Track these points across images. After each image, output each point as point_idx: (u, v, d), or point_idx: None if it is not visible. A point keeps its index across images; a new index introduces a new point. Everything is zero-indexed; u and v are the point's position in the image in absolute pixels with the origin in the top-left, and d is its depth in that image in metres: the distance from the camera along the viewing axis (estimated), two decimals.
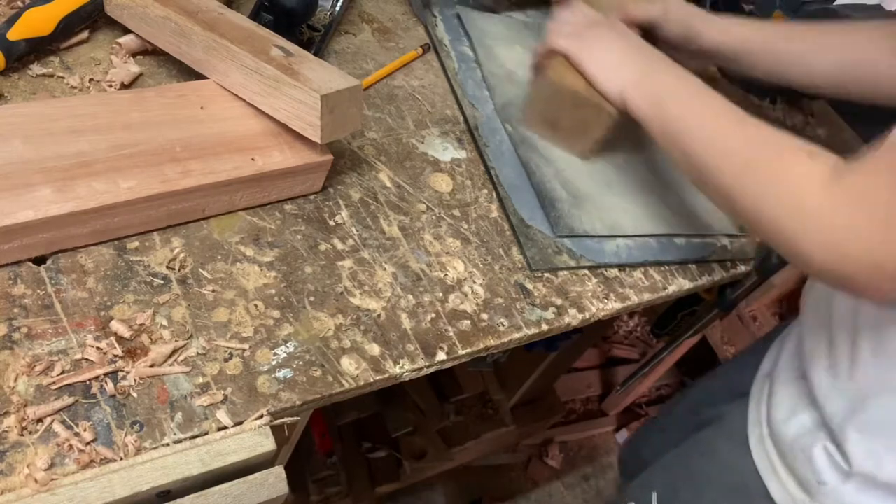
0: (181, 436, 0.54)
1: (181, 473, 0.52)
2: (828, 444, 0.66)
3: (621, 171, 0.91)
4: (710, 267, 0.88)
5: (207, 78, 0.72)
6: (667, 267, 0.85)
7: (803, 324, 0.76)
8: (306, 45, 0.85)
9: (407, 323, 0.68)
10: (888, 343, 0.61)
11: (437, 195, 0.80)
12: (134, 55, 0.77)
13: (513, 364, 1.64)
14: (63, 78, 0.71)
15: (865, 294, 0.52)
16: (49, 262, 0.60)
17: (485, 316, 0.72)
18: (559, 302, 0.76)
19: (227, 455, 0.54)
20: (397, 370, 0.65)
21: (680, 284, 0.84)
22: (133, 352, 0.57)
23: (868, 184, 0.50)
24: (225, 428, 0.56)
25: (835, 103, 1.07)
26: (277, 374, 0.60)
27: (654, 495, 0.86)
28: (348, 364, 0.63)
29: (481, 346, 0.69)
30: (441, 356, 0.67)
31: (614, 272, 0.81)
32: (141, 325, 0.59)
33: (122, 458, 0.52)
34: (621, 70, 0.74)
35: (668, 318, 1.30)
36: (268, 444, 0.56)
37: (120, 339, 0.58)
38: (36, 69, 0.71)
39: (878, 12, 1.07)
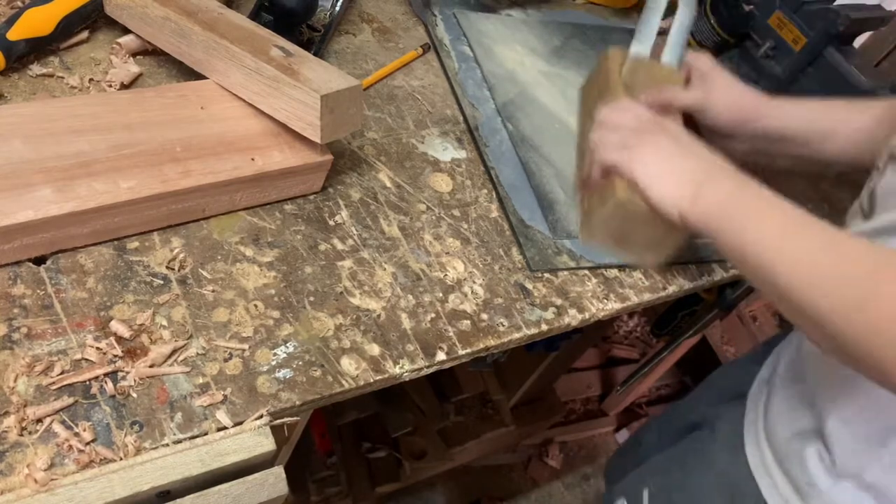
0: (181, 436, 0.54)
1: (181, 473, 0.52)
2: (820, 447, 0.66)
3: None
4: (710, 267, 0.88)
5: (207, 78, 0.72)
6: (667, 267, 0.85)
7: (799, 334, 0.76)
8: (306, 45, 0.85)
9: (407, 323, 0.68)
10: None
11: (437, 195, 0.80)
12: (134, 55, 0.77)
13: (513, 364, 1.64)
14: (63, 78, 0.71)
15: None
16: (49, 262, 0.60)
17: (485, 316, 0.72)
18: (559, 302, 0.76)
19: (226, 455, 0.54)
20: (397, 370, 0.64)
21: (680, 284, 0.84)
22: (133, 352, 0.57)
23: None
24: (225, 428, 0.56)
25: None
26: (277, 375, 0.60)
27: (646, 493, 0.86)
28: (348, 364, 0.63)
29: (481, 346, 0.69)
30: (441, 356, 0.67)
31: (614, 272, 0.81)
32: (141, 325, 0.59)
33: (121, 459, 0.52)
34: (675, 184, 0.65)
35: (668, 318, 1.30)
36: (268, 444, 0.56)
37: (120, 339, 0.58)
38: (36, 69, 0.71)
39: (878, 12, 1.07)
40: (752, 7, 1.11)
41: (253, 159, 0.67)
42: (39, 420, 0.52)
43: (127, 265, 0.62)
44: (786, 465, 0.69)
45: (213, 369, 0.59)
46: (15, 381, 0.53)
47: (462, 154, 0.85)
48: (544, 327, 0.73)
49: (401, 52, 0.93)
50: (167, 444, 0.54)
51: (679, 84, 0.77)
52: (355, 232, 0.73)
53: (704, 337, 1.81)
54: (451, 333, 0.69)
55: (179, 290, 0.62)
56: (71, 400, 0.54)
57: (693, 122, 0.79)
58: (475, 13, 1.02)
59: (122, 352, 0.57)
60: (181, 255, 0.64)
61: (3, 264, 0.58)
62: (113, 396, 0.55)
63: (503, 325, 0.72)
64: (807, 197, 1.03)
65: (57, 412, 0.53)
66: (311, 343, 0.63)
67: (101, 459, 0.52)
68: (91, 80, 0.72)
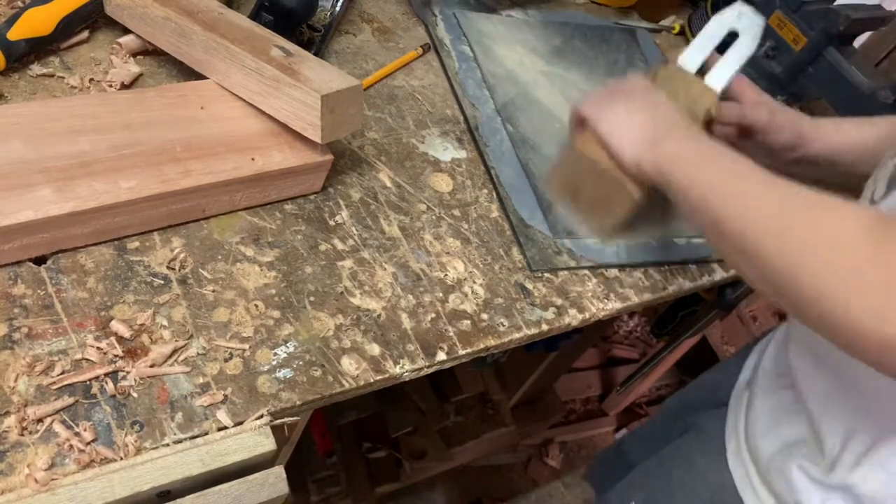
0: (181, 436, 0.54)
1: (181, 473, 0.52)
2: (804, 461, 0.65)
3: None
4: (710, 267, 0.88)
5: (207, 78, 0.72)
6: (667, 267, 0.85)
7: (792, 334, 0.74)
8: (306, 45, 0.85)
9: (407, 323, 0.68)
10: None
11: (437, 195, 0.80)
12: (134, 55, 0.77)
13: (513, 364, 1.64)
14: (63, 78, 0.71)
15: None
16: (49, 262, 0.60)
17: (485, 316, 0.72)
18: (559, 302, 0.76)
19: (227, 455, 0.54)
20: (397, 370, 0.65)
21: (680, 284, 0.84)
22: (133, 352, 0.57)
23: None
24: (225, 428, 0.56)
25: (835, 105, 1.07)
26: (277, 374, 0.60)
27: None
28: (348, 364, 0.63)
29: (481, 346, 0.69)
30: (441, 356, 0.67)
31: (614, 272, 0.81)
32: (141, 325, 0.59)
33: (122, 458, 0.52)
34: (635, 136, 0.66)
35: (668, 318, 1.30)
36: (268, 444, 0.56)
37: (120, 339, 0.58)
38: (36, 69, 0.71)
39: (878, 12, 1.07)
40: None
41: (253, 159, 0.67)
42: (40, 420, 0.52)
43: (127, 265, 0.62)
44: (770, 481, 0.68)
45: (214, 369, 0.59)
46: (15, 380, 0.53)
47: (462, 154, 0.85)
48: (544, 327, 0.73)
49: (401, 52, 0.93)
50: (167, 444, 0.54)
51: (712, 106, 0.75)
52: (355, 232, 0.73)
53: (704, 337, 1.81)
54: (451, 333, 0.69)
55: (180, 289, 0.62)
56: (71, 400, 0.54)
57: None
58: (475, 13, 1.02)
59: (123, 352, 0.57)
60: (181, 255, 0.64)
61: (4, 264, 0.58)
62: (113, 396, 0.55)
63: (503, 325, 0.72)
64: None
65: (57, 412, 0.53)
66: (311, 343, 0.63)
67: (101, 459, 0.52)
68: (91, 80, 0.72)
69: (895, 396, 0.58)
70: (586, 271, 0.80)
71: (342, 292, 0.68)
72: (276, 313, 0.64)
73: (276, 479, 0.56)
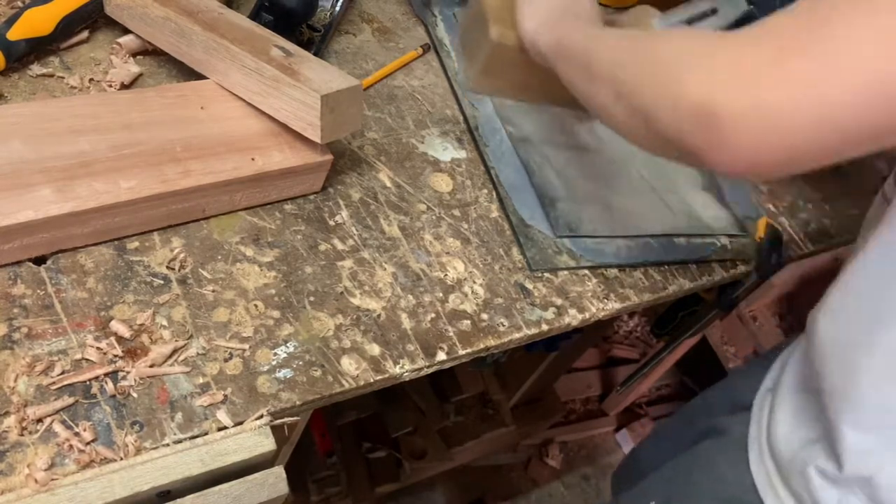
0: (181, 436, 0.54)
1: (181, 473, 0.52)
2: (824, 461, 0.65)
3: (621, 171, 0.91)
4: (710, 267, 0.88)
5: (207, 78, 0.72)
6: (667, 267, 0.85)
7: (813, 343, 0.74)
8: (306, 45, 0.85)
9: (407, 323, 0.68)
10: None
11: (437, 195, 0.80)
12: (134, 55, 0.77)
13: (513, 364, 1.64)
14: (63, 78, 0.71)
15: (722, 146, 0.44)
16: (49, 262, 0.60)
17: (485, 316, 0.72)
18: (559, 302, 0.76)
19: (227, 455, 0.54)
20: (397, 370, 0.65)
21: (680, 284, 0.84)
22: (133, 352, 0.57)
23: (770, 24, 0.44)
24: (225, 428, 0.56)
25: None
26: (277, 374, 0.60)
27: None
28: (348, 364, 0.63)
29: (481, 346, 0.69)
30: (441, 356, 0.67)
31: (614, 272, 0.81)
32: (141, 325, 0.59)
33: (122, 458, 0.52)
34: (539, 16, 0.66)
35: (668, 318, 1.30)
36: (268, 444, 0.56)
37: (120, 339, 0.58)
38: (36, 69, 0.71)
39: None
40: (752, 7, 1.11)
41: (253, 159, 0.67)
42: (40, 420, 0.52)
43: (127, 265, 0.62)
44: (791, 483, 0.68)
45: (214, 369, 0.59)
46: (15, 380, 0.53)
47: (462, 154, 0.85)
48: (544, 327, 0.73)
49: (401, 52, 0.93)
50: (167, 444, 0.54)
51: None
52: (355, 232, 0.73)
53: (704, 337, 1.81)
54: (451, 333, 0.69)
55: (179, 290, 0.62)
56: (71, 400, 0.54)
57: None
58: None
59: (123, 352, 0.57)
60: (181, 255, 0.64)
61: (4, 264, 0.58)
62: (113, 396, 0.55)
63: (503, 325, 0.72)
64: None
65: (57, 412, 0.53)
66: (311, 343, 0.63)
67: (101, 459, 0.52)
68: (91, 80, 0.72)
69: None
70: (586, 271, 0.80)
71: (342, 292, 0.68)
72: (276, 313, 0.64)
73: (276, 479, 0.56)
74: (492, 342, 0.70)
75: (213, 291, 0.63)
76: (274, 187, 0.69)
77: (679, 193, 0.92)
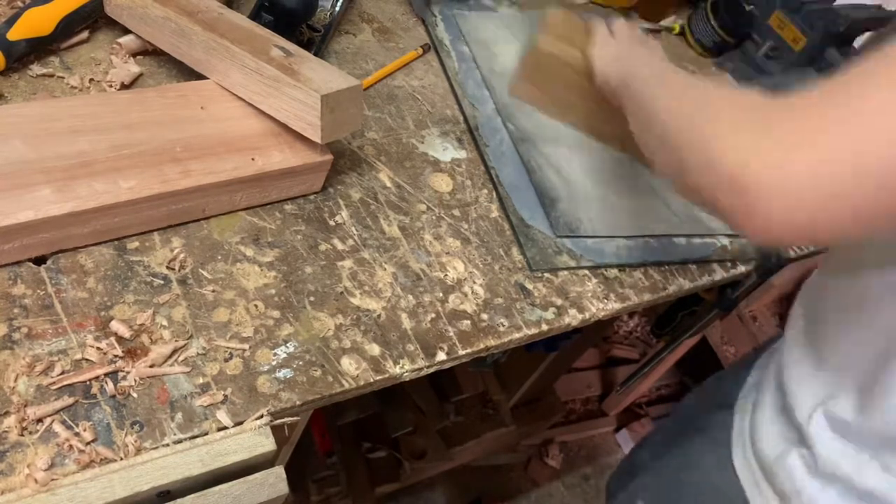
0: (181, 436, 0.54)
1: (181, 473, 0.52)
2: (802, 449, 0.65)
3: (622, 171, 0.91)
4: (710, 267, 0.88)
5: (207, 78, 0.72)
6: (667, 267, 0.85)
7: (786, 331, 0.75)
8: (306, 45, 0.85)
9: (407, 323, 0.68)
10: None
11: (437, 195, 0.80)
12: (134, 55, 0.77)
13: (513, 364, 1.64)
14: (63, 78, 0.71)
15: (757, 214, 0.47)
16: (49, 262, 0.60)
17: (485, 316, 0.72)
18: (559, 302, 0.76)
19: (227, 455, 0.54)
20: (397, 370, 0.64)
21: (680, 284, 0.84)
22: (133, 352, 0.57)
23: (799, 107, 0.47)
24: (225, 428, 0.56)
25: None
26: (277, 374, 0.60)
27: None
28: (348, 364, 0.63)
29: (481, 346, 0.69)
30: (441, 356, 0.67)
31: (614, 272, 0.81)
32: (141, 325, 0.59)
33: (122, 458, 0.52)
34: (611, 53, 0.74)
35: (668, 318, 1.30)
36: (268, 444, 0.56)
37: (120, 339, 0.58)
38: (36, 69, 0.71)
39: (878, 12, 1.07)
40: (752, 7, 1.11)
41: (253, 159, 0.67)
42: (40, 420, 0.52)
43: (127, 265, 0.62)
44: (774, 480, 0.68)
45: (214, 369, 0.59)
46: (15, 381, 0.53)
47: (462, 154, 0.85)
48: (544, 327, 0.73)
49: (401, 52, 0.93)
50: (167, 444, 0.54)
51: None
52: (355, 232, 0.73)
53: (704, 337, 1.81)
54: (451, 333, 0.69)
55: (179, 290, 0.62)
56: (71, 400, 0.54)
57: None
58: (475, 13, 1.02)
59: (123, 352, 0.57)
60: (181, 255, 0.64)
61: (4, 264, 0.58)
62: (113, 396, 0.55)
63: (503, 325, 0.72)
64: None
65: (57, 412, 0.53)
66: (311, 343, 0.63)
67: (101, 459, 0.52)
68: (91, 80, 0.72)
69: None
70: (586, 271, 0.80)
71: (342, 292, 0.68)
72: (276, 313, 0.64)
73: (276, 479, 0.56)
74: (492, 342, 0.70)
75: (213, 291, 0.63)
76: (274, 187, 0.69)
77: None
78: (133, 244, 0.63)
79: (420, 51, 0.94)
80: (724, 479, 0.74)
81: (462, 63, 0.95)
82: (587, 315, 0.76)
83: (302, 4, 0.79)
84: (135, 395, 0.55)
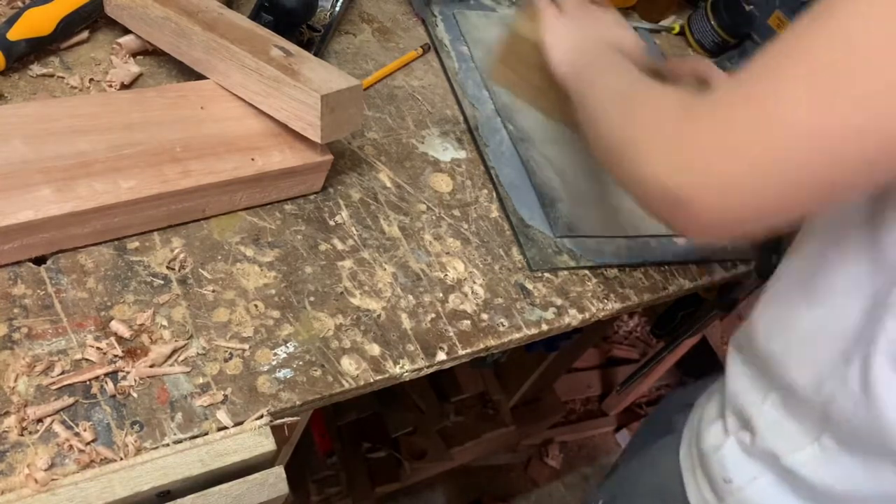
0: (181, 436, 0.54)
1: (181, 473, 0.52)
2: (740, 433, 0.65)
3: None
4: (710, 267, 0.88)
5: (207, 78, 0.72)
6: (667, 267, 0.85)
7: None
8: (306, 45, 0.85)
9: (407, 323, 0.68)
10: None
11: (437, 195, 0.80)
12: (134, 55, 0.77)
13: (513, 364, 1.64)
14: (63, 78, 0.71)
15: (690, 220, 0.49)
16: (49, 262, 0.60)
17: (485, 316, 0.72)
18: (559, 302, 0.76)
19: (227, 455, 0.54)
20: (397, 370, 0.65)
21: (680, 284, 0.84)
22: (133, 352, 0.57)
23: (727, 105, 0.48)
24: (225, 428, 0.56)
25: None
26: (277, 374, 0.60)
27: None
28: (348, 364, 0.63)
29: (481, 346, 0.69)
30: (441, 356, 0.67)
31: (614, 272, 0.81)
32: (141, 325, 0.59)
33: (122, 459, 0.52)
34: (567, 44, 0.72)
35: (668, 318, 1.30)
36: (268, 444, 0.56)
37: (120, 339, 0.58)
38: (36, 69, 0.71)
39: None
40: (752, 7, 1.11)
41: (253, 159, 0.67)
42: (40, 420, 0.52)
43: (127, 265, 0.62)
44: (706, 463, 0.68)
45: (214, 369, 0.59)
46: (15, 381, 0.53)
47: (462, 154, 0.85)
48: (544, 327, 0.73)
49: (401, 52, 0.93)
50: (167, 444, 0.54)
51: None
52: (355, 232, 0.73)
53: (704, 337, 1.81)
54: (451, 333, 0.69)
55: (179, 290, 0.62)
56: (71, 400, 0.54)
57: None
58: (475, 13, 1.02)
59: (123, 352, 0.57)
60: (181, 255, 0.64)
61: (4, 264, 0.58)
62: (113, 396, 0.55)
63: (503, 325, 0.72)
64: None
65: (57, 412, 0.53)
66: (311, 343, 0.63)
67: (101, 459, 0.52)
68: (91, 80, 0.73)
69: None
70: (586, 271, 0.80)
71: (342, 292, 0.68)
72: (276, 313, 0.64)
73: (276, 479, 0.56)
74: (492, 342, 0.70)
75: (213, 291, 0.63)
76: (274, 187, 0.69)
77: None
78: (133, 244, 0.63)
79: (420, 51, 0.94)
80: (669, 471, 0.74)
81: (462, 63, 0.95)
82: (587, 315, 0.76)
83: (302, 4, 0.79)
84: (135, 395, 0.55)
